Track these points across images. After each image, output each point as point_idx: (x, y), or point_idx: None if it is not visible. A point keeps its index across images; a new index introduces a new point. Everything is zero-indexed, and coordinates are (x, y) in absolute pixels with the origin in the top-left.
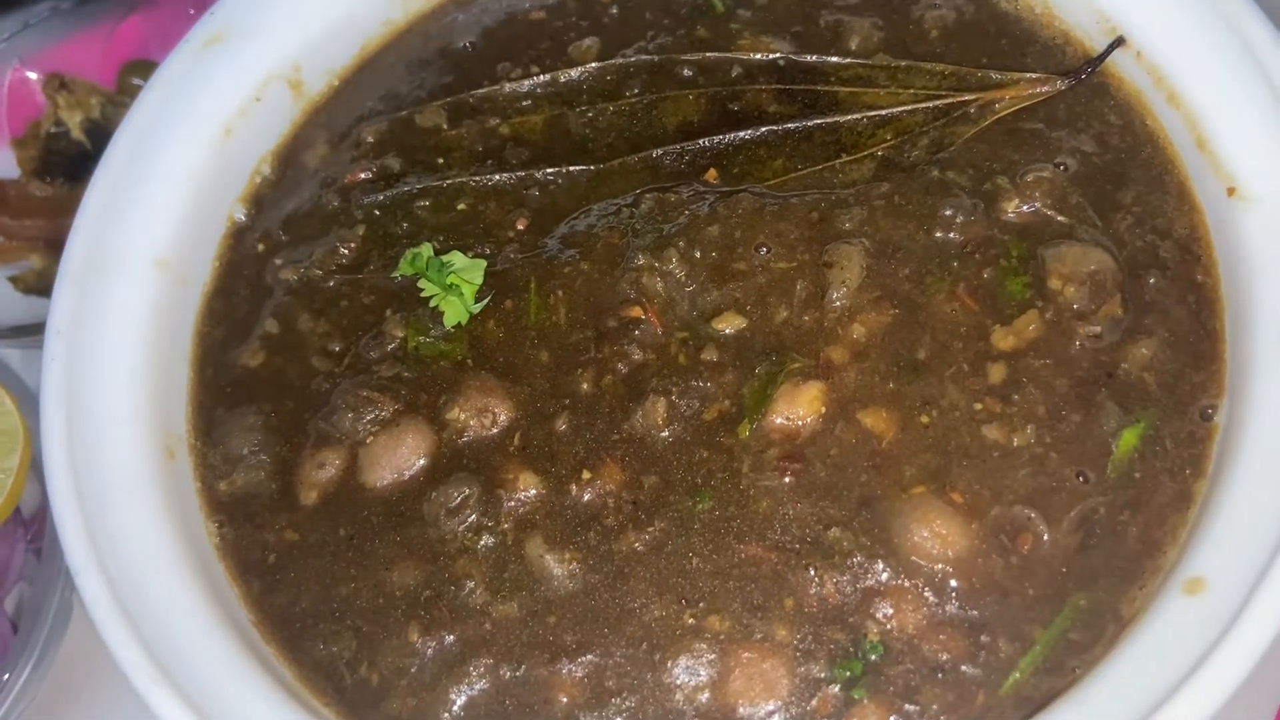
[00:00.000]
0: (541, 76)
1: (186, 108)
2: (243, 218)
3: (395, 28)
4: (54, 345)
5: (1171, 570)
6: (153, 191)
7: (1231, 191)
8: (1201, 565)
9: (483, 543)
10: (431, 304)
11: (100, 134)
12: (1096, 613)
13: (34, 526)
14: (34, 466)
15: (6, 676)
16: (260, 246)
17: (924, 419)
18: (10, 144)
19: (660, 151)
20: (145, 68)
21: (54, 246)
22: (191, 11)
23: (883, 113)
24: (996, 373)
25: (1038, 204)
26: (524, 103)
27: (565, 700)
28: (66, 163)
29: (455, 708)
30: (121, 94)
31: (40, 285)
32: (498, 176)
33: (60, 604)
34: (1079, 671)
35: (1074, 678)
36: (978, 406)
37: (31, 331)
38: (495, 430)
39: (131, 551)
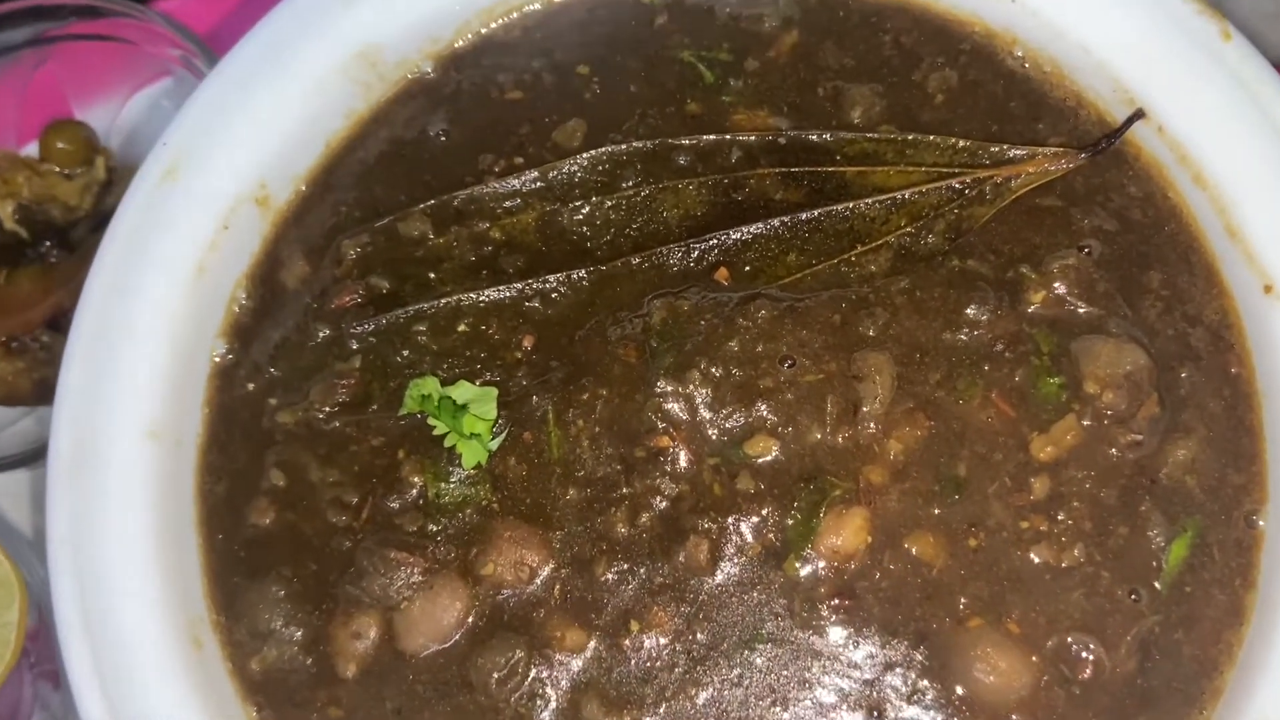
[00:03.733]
0: (530, 173)
1: (153, 257)
2: (227, 354)
3: (359, 118)
4: (60, 555)
5: (1232, 696)
6: (131, 359)
7: (1269, 289)
8: (1270, 707)
9: (538, 709)
10: (446, 444)
11: (33, 217)
12: None
13: (35, 647)
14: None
15: None
16: (250, 385)
17: (972, 542)
18: None
19: (665, 250)
20: (70, 130)
21: (0, 343)
22: (106, 39)
23: (895, 196)
24: (1040, 487)
25: (1064, 293)
26: (513, 202)
27: None
28: (1, 251)
29: None
30: (46, 161)
31: (1, 393)
32: (495, 292)
33: None
34: None
35: None
36: (1024, 525)
37: (15, 464)
38: (535, 584)
39: None
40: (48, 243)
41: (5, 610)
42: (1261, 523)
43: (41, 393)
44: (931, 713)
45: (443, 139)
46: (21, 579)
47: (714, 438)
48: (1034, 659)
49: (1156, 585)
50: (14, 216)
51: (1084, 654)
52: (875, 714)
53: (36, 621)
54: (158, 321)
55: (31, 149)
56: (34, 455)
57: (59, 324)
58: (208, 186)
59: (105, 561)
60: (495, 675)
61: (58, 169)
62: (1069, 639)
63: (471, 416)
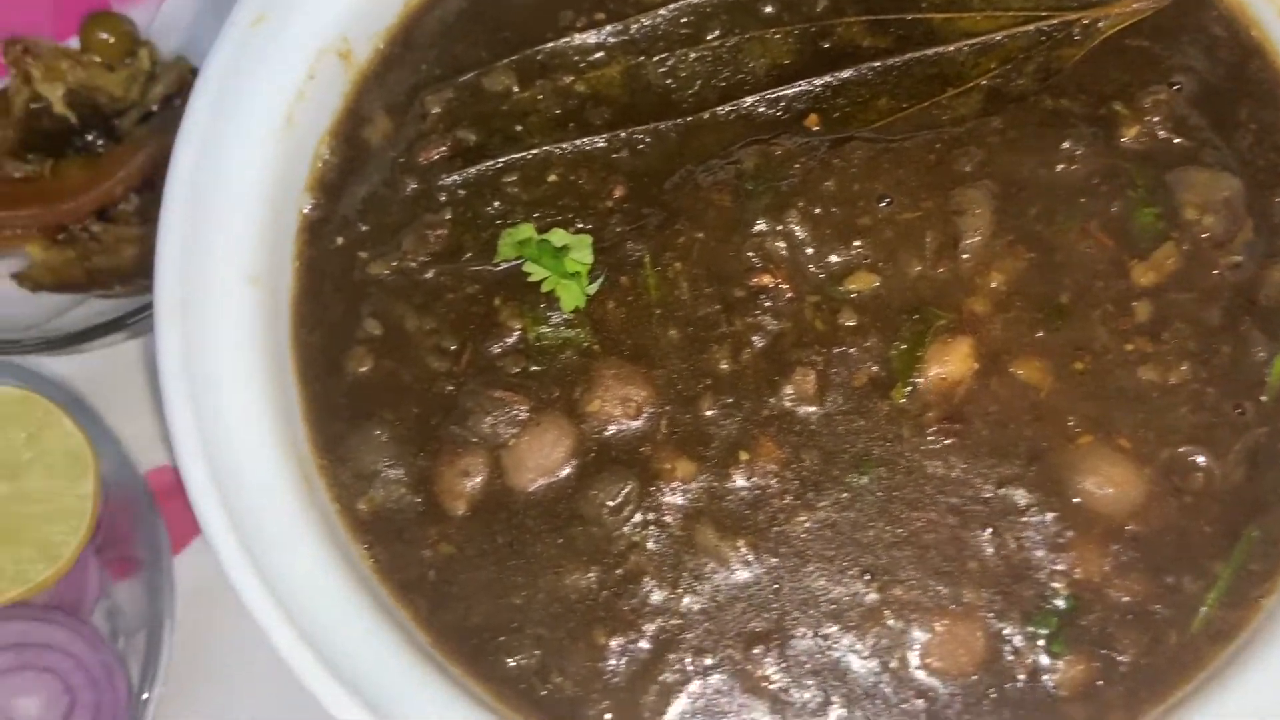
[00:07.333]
0: (612, 25)
1: (246, 103)
2: (315, 209)
3: None
4: (173, 388)
5: None
6: (229, 205)
7: None
8: None
9: (651, 537)
10: (543, 289)
11: (81, 103)
12: (1271, 542)
13: (102, 535)
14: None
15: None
16: (339, 239)
17: (1078, 365)
18: None
19: (753, 99)
20: (110, 22)
21: (50, 232)
22: None
23: (983, 40)
24: (1142, 311)
25: (1157, 127)
26: (596, 55)
27: (767, 688)
28: (48, 139)
29: (657, 707)
30: (87, 52)
31: (51, 281)
32: (583, 141)
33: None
34: (1264, 601)
35: (1260, 608)
36: (1129, 347)
37: (68, 342)
38: (640, 420)
39: (304, 587)
40: (93, 133)
41: (79, 482)
42: None
43: (92, 281)
44: (1049, 526)
45: None
46: (95, 455)
47: (813, 274)
48: (1146, 471)
49: (1262, 398)
50: (63, 100)
51: (1195, 465)
52: (992, 530)
53: (104, 509)
54: (250, 170)
55: (72, 44)
56: (87, 335)
57: (108, 214)
58: (296, 32)
59: (219, 396)
60: (608, 506)
61: (99, 60)
62: (1179, 451)
63: (571, 260)
